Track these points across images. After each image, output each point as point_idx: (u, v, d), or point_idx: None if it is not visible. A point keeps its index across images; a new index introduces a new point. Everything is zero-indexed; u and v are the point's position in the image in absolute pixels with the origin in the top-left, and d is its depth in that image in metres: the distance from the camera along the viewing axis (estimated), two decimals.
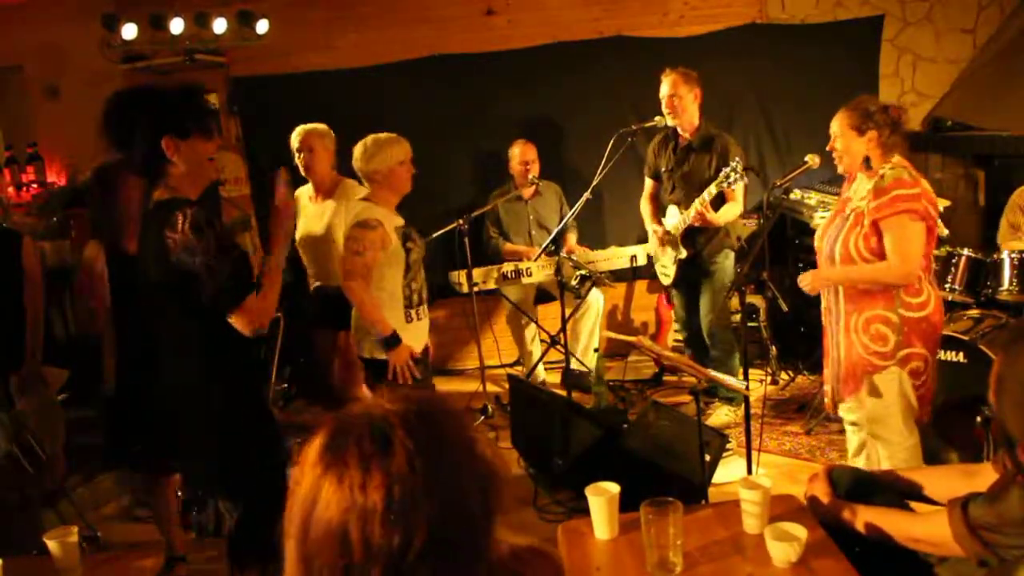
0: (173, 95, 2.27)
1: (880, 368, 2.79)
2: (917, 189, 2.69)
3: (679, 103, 4.12)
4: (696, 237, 4.22)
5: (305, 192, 4.19)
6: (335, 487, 0.86)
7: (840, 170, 2.90)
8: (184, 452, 2.56)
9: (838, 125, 2.82)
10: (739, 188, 4.13)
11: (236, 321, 2.24)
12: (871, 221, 2.70)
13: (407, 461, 0.87)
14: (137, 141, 2.21)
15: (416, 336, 3.27)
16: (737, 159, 3.95)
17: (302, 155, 4.02)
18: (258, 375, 2.49)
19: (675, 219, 4.28)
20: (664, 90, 4.16)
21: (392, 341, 3.11)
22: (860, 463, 3.09)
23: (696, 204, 4.07)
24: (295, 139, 4.03)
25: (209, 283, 2.18)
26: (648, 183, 4.52)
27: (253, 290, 2.25)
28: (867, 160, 2.80)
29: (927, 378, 2.81)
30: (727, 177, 3.94)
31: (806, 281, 2.90)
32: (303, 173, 4.06)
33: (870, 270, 2.75)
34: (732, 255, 4.31)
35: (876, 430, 2.88)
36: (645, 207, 4.53)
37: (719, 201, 4.13)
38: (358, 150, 3.25)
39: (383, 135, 3.27)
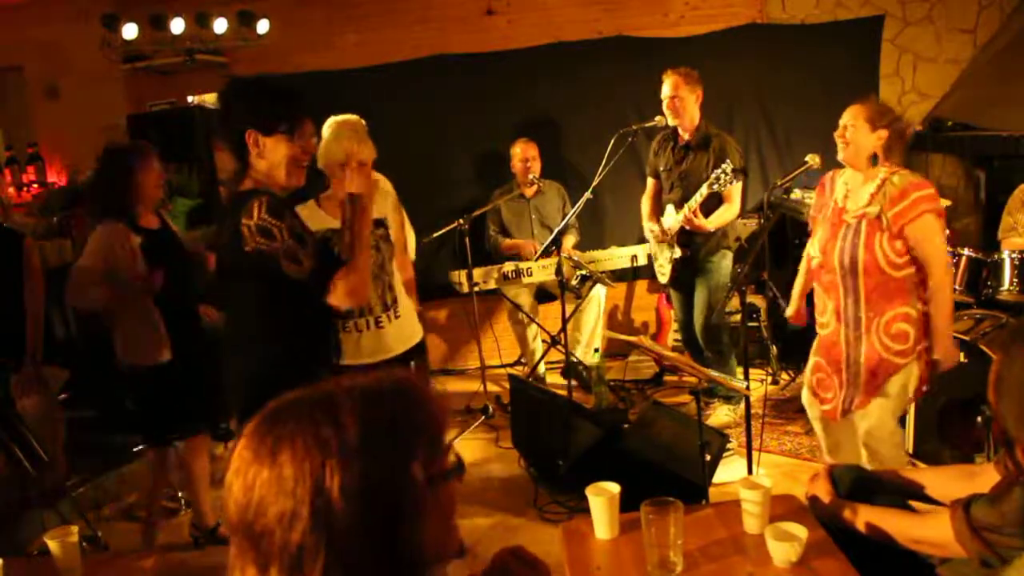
0: (273, 92, 2.28)
1: (901, 366, 2.81)
2: (931, 189, 2.76)
3: (680, 104, 4.12)
4: (693, 237, 4.21)
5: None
6: (249, 461, 0.91)
7: (840, 157, 2.90)
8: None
9: (852, 115, 2.86)
10: (735, 190, 4.11)
11: (335, 299, 2.22)
12: (898, 227, 2.72)
13: (302, 441, 0.89)
14: (231, 125, 2.26)
15: (359, 350, 3.03)
16: (727, 162, 3.94)
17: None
18: (324, 365, 2.47)
19: (671, 219, 4.28)
20: (665, 91, 4.15)
21: None
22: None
23: (685, 209, 4.07)
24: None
25: (293, 266, 2.17)
26: (650, 182, 4.53)
27: (340, 266, 2.23)
28: (873, 159, 2.83)
29: (930, 372, 2.88)
30: (716, 179, 3.93)
31: (948, 361, 2.83)
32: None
33: (939, 309, 2.75)
34: (729, 255, 4.30)
35: (872, 431, 2.89)
36: (645, 205, 4.53)
37: (716, 202, 4.13)
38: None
39: (334, 123, 3.05)
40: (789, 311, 3.30)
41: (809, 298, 3.18)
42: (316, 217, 2.98)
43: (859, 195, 2.84)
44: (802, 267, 3.24)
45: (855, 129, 2.83)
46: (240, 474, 0.90)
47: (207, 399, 3.33)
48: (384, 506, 0.90)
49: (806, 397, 3.14)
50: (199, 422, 3.39)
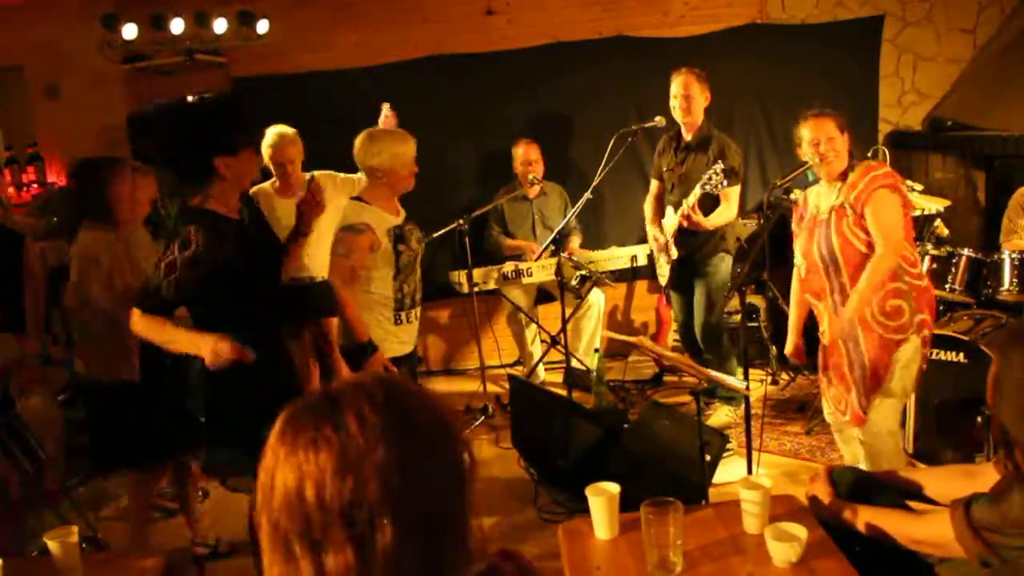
0: (221, 115, 2.46)
1: (902, 342, 2.83)
2: (887, 168, 2.85)
3: (692, 103, 4.10)
4: (691, 239, 4.21)
5: (269, 186, 4.00)
6: (290, 452, 0.90)
7: (826, 174, 2.94)
8: (212, 444, 2.62)
9: (824, 129, 2.90)
10: (732, 191, 4.10)
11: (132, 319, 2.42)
12: (860, 207, 2.79)
13: (356, 415, 0.90)
14: (185, 159, 2.37)
15: (404, 339, 3.22)
16: (718, 163, 3.93)
17: (280, 168, 3.87)
18: (288, 371, 2.59)
19: (671, 220, 4.27)
20: (675, 89, 4.13)
21: (369, 348, 3.02)
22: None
23: (683, 207, 4.07)
24: (272, 152, 3.83)
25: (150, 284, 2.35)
26: (653, 183, 4.52)
27: (156, 311, 2.39)
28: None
29: (928, 348, 2.92)
30: (708, 180, 3.93)
31: (833, 331, 2.87)
32: (274, 174, 3.93)
33: (869, 275, 2.77)
34: (728, 258, 4.29)
35: (868, 428, 2.89)
36: (648, 207, 4.52)
37: (713, 204, 4.12)
38: (360, 141, 3.14)
39: (394, 131, 3.17)
40: (788, 348, 3.27)
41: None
42: (371, 214, 3.11)
43: (829, 197, 2.93)
44: (793, 299, 3.24)
45: (836, 140, 2.88)
46: (286, 463, 0.90)
47: (179, 424, 3.23)
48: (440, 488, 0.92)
49: (827, 414, 3.16)
50: (171, 449, 3.24)
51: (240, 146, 2.37)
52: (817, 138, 2.90)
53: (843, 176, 2.89)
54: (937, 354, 3.42)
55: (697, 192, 3.99)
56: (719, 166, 3.90)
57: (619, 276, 5.20)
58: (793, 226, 3.17)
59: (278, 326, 2.56)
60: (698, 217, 4.03)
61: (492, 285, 4.76)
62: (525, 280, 4.77)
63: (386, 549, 0.87)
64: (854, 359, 2.90)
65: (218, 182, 2.38)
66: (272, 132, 3.87)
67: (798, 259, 3.05)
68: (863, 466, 2.91)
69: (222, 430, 2.51)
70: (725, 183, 3.94)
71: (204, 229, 2.32)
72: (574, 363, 4.69)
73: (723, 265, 4.26)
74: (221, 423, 2.51)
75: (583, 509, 1.95)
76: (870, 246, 2.79)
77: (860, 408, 2.92)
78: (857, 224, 2.80)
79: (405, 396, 0.95)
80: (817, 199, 3.01)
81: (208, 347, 2.32)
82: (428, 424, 0.95)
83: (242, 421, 2.29)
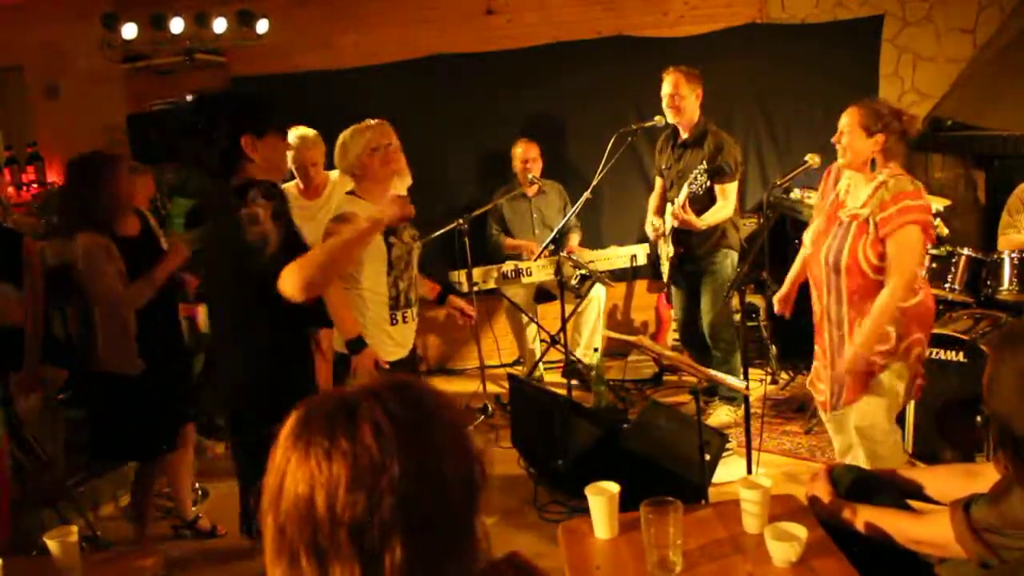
0: (250, 98, 2.51)
1: (884, 367, 2.80)
2: (922, 200, 2.72)
3: (681, 102, 4.10)
4: (691, 236, 4.20)
5: (294, 187, 3.98)
6: (302, 458, 0.88)
7: (840, 164, 2.90)
8: (239, 429, 2.61)
9: (848, 121, 2.83)
10: (729, 188, 4.10)
11: (287, 287, 2.25)
12: (883, 233, 2.71)
13: (372, 427, 0.88)
14: (217, 139, 2.37)
15: (400, 341, 3.14)
16: (703, 162, 3.94)
17: (303, 171, 3.85)
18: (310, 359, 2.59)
19: (670, 217, 4.28)
20: (666, 89, 4.14)
21: (355, 345, 2.92)
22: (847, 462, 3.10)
23: (674, 205, 4.07)
24: (294, 155, 3.79)
25: (265, 249, 2.25)
26: (657, 181, 4.53)
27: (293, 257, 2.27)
28: (872, 162, 2.80)
29: (921, 366, 2.87)
30: (694, 179, 3.93)
31: (850, 365, 2.79)
32: (296, 176, 3.90)
33: (880, 310, 2.71)
34: (732, 254, 4.27)
35: (863, 430, 2.89)
36: (652, 202, 4.53)
37: (712, 201, 4.11)
38: (335, 149, 3.19)
39: (351, 128, 3.16)
40: (778, 294, 3.23)
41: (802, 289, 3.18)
42: (362, 207, 3.03)
43: (858, 194, 2.84)
44: (800, 254, 3.21)
45: (851, 135, 2.80)
46: (298, 469, 0.88)
47: (183, 402, 3.33)
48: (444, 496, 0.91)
49: (809, 386, 3.16)
50: (177, 426, 3.33)
51: (268, 131, 2.38)
52: (840, 127, 2.84)
53: (869, 169, 2.79)
54: (937, 354, 3.42)
55: (685, 191, 3.99)
56: (702, 166, 3.92)
57: (619, 275, 5.20)
58: (816, 199, 3.11)
59: (303, 326, 2.55)
60: (689, 216, 4.04)
61: (492, 284, 4.76)
62: (525, 279, 4.77)
63: (395, 567, 0.85)
64: (835, 361, 2.92)
65: (249, 166, 2.37)
66: (293, 135, 3.79)
67: (806, 243, 3.00)
68: (861, 463, 2.91)
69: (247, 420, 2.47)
70: (708, 183, 3.94)
71: (264, 188, 2.29)
72: (573, 360, 4.69)
73: (727, 261, 4.25)
74: (244, 416, 2.48)
75: (583, 509, 1.95)
76: (875, 269, 2.74)
77: (831, 400, 2.95)
78: (872, 247, 2.73)
79: (422, 405, 0.93)
80: (847, 182, 2.91)
81: (382, 213, 2.47)
82: (444, 436, 0.93)
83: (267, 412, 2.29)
